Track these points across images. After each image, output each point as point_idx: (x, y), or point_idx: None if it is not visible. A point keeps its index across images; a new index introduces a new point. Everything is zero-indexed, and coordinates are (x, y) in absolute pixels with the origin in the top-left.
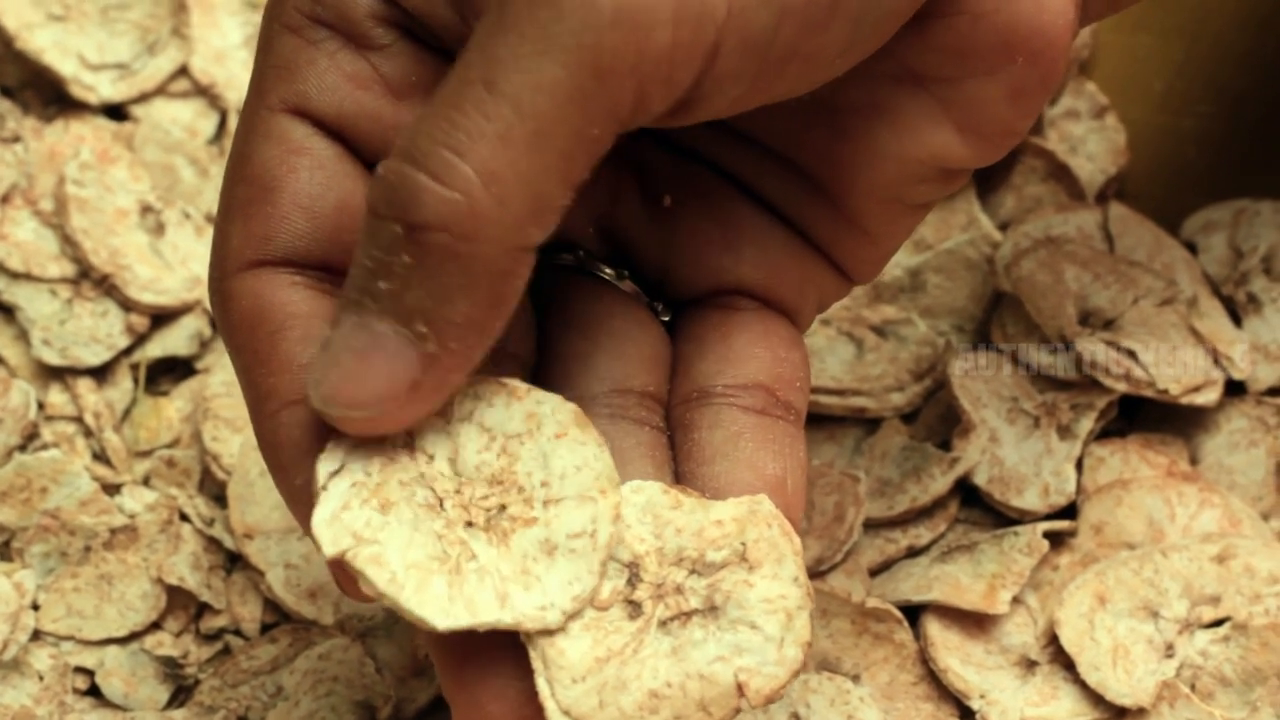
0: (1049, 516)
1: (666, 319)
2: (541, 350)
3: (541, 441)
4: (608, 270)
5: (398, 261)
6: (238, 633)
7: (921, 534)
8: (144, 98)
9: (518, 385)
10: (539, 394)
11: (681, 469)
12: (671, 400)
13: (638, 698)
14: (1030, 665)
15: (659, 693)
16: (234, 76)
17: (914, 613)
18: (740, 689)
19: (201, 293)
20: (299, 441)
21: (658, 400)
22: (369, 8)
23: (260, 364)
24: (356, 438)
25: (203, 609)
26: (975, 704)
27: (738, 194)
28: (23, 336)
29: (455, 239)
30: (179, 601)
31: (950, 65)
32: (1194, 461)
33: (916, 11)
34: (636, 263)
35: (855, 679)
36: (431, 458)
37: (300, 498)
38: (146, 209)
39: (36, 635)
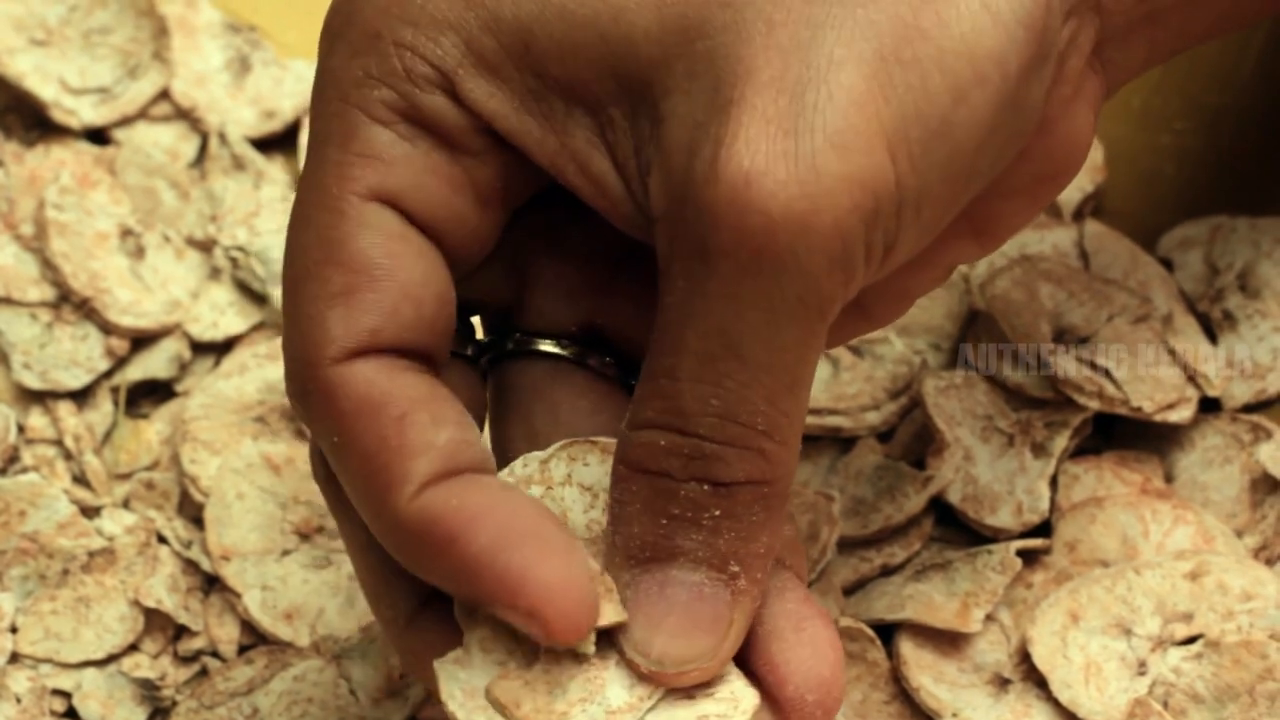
0: (1023, 534)
1: None
2: (529, 441)
3: None
4: (592, 360)
5: (706, 515)
6: (215, 654)
7: (895, 553)
8: (125, 121)
9: (607, 441)
10: None
11: None
12: None
13: None
14: (1003, 683)
15: None
16: (215, 100)
17: (887, 631)
18: None
19: (181, 315)
20: (460, 510)
21: None
22: (467, 118)
23: (388, 450)
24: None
25: (180, 631)
26: None
27: None
28: (3, 360)
29: (760, 486)
30: (157, 623)
31: (987, 197)
32: (1168, 479)
33: None
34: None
35: None
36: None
37: (471, 567)
38: (127, 233)
39: (14, 658)
